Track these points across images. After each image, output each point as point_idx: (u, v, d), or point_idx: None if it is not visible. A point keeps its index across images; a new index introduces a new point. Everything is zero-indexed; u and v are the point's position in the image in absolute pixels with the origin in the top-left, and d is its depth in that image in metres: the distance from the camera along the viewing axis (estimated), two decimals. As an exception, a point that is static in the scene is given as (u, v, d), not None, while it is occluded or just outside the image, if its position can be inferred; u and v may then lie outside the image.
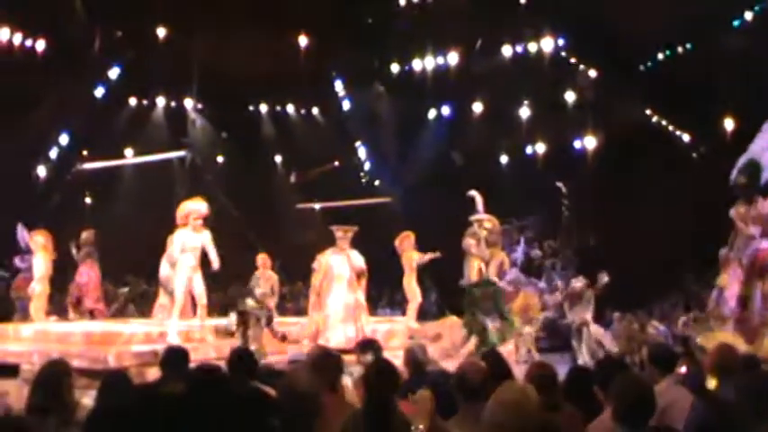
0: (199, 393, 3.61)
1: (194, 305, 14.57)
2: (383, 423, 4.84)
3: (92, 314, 17.34)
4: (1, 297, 18.07)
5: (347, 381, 7.35)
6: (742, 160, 12.21)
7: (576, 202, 22.92)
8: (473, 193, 16.59)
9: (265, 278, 18.91)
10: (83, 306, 17.28)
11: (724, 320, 11.80)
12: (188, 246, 13.60)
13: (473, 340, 14.28)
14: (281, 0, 21.13)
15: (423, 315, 17.53)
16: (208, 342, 13.31)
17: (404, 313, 17.12)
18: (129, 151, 23.60)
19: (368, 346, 7.87)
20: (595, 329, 15.26)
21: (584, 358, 14.48)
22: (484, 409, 4.42)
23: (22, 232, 17.07)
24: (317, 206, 22.17)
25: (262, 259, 18.75)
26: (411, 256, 16.38)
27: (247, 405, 2.80)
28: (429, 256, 16.38)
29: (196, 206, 13.86)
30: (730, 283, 11.84)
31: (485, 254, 16.19)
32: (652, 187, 20.83)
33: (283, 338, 13.12)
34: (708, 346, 11.31)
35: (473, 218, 16.39)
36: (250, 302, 13.01)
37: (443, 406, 5.15)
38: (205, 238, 13.74)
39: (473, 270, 16.14)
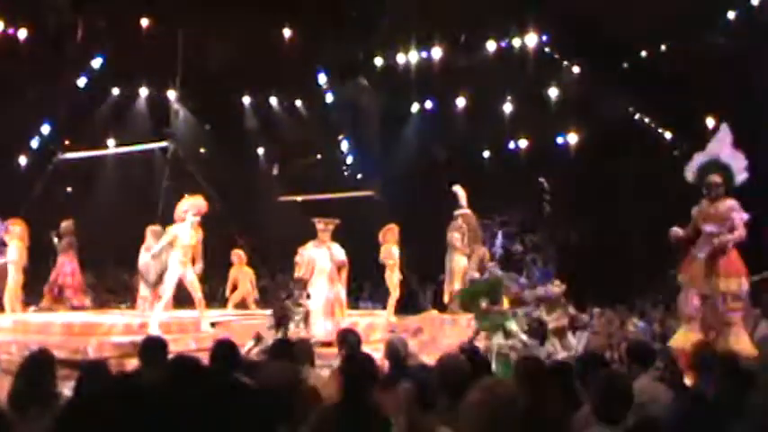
0: (175, 382, 3.61)
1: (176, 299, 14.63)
2: (359, 417, 4.83)
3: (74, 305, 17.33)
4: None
5: (325, 372, 7.37)
6: (700, 160, 12.24)
7: (557, 198, 22.98)
8: (457, 187, 16.61)
9: (242, 274, 18.96)
10: (63, 296, 17.26)
11: (689, 320, 11.84)
12: (181, 241, 13.65)
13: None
14: (266, -8, 21.10)
15: (419, 311, 17.50)
16: (207, 333, 13.40)
17: (385, 306, 17.13)
18: (111, 141, 23.51)
19: (344, 338, 7.89)
20: (569, 342, 15.19)
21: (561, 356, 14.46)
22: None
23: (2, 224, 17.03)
24: (299, 199, 22.13)
25: (237, 255, 18.80)
26: (390, 248, 16.37)
27: (225, 395, 2.80)
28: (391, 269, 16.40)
29: (195, 203, 13.98)
30: (693, 281, 11.89)
31: (466, 249, 16.24)
32: (634, 183, 20.93)
33: None
34: (674, 345, 11.43)
35: (457, 212, 16.43)
36: (290, 306, 13.02)
37: (424, 400, 5.17)
38: (198, 237, 13.88)
39: (457, 264, 16.17)
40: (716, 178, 11.74)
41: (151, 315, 13.61)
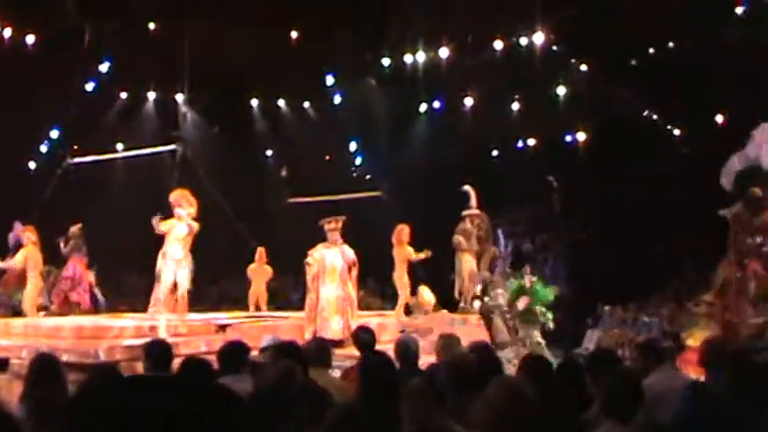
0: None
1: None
2: (379, 417, 4.82)
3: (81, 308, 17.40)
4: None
5: (336, 373, 7.37)
6: (738, 166, 11.89)
7: (567, 196, 22.94)
8: (467, 188, 16.59)
9: (259, 272, 18.93)
10: (69, 300, 17.33)
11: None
12: (172, 236, 13.65)
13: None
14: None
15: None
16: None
17: (394, 307, 17.12)
18: (119, 145, 23.53)
19: (358, 337, 7.89)
20: None
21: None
22: (477, 402, 4.42)
23: (17, 229, 17.15)
24: (309, 200, 22.13)
25: (259, 253, 18.81)
26: (404, 249, 16.41)
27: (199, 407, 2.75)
28: (422, 255, 16.41)
29: (175, 195, 13.93)
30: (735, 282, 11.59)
31: (472, 249, 16.23)
32: (643, 181, 20.86)
33: None
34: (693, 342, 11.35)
35: (465, 213, 16.40)
36: (491, 301, 13.05)
37: (436, 398, 5.16)
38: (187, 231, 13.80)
39: (465, 265, 16.15)
40: (758, 192, 11.31)
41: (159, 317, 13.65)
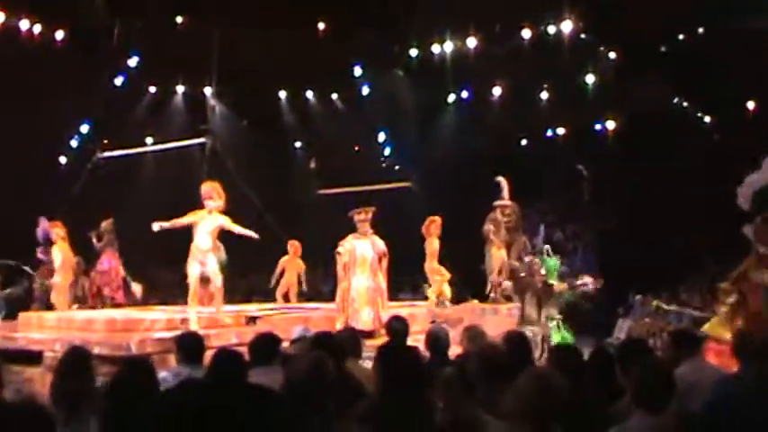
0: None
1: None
2: (400, 409, 4.81)
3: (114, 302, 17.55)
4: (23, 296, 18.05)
5: (367, 364, 7.38)
6: (755, 186, 11.73)
7: (597, 185, 22.82)
8: (500, 179, 16.55)
9: (292, 265, 19.00)
10: (103, 295, 17.49)
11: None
12: (199, 228, 13.59)
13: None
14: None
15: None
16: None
17: (425, 298, 17.15)
18: (149, 139, 23.65)
19: (391, 326, 7.89)
20: None
21: None
22: (507, 392, 4.42)
23: (43, 224, 17.29)
24: (338, 191, 22.13)
25: (293, 246, 18.86)
26: (433, 241, 16.45)
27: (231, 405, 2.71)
28: (445, 274, 16.58)
29: (204, 189, 13.89)
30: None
31: (501, 241, 16.19)
32: (672, 169, 20.71)
33: None
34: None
35: (496, 203, 16.36)
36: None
37: (466, 388, 5.16)
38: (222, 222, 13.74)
39: (495, 256, 16.13)
40: None
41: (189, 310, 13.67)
